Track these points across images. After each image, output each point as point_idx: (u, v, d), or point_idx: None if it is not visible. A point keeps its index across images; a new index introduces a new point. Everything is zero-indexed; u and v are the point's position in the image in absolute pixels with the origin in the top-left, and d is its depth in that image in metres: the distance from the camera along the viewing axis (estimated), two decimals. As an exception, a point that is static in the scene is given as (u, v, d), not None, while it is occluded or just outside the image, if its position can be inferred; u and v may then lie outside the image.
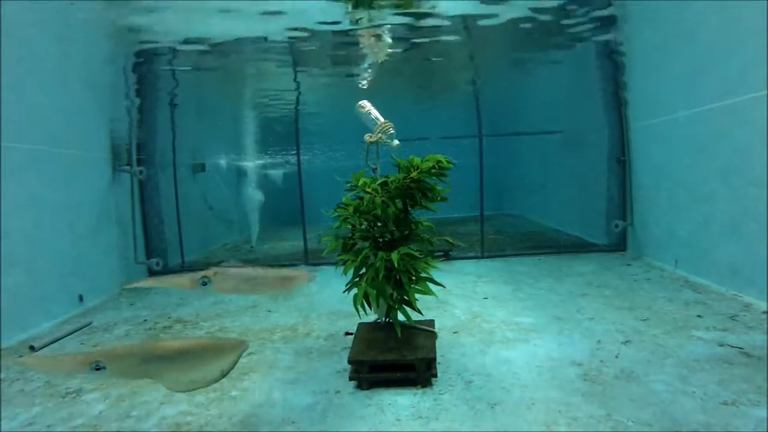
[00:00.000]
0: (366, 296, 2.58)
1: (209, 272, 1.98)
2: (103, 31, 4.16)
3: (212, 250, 7.69)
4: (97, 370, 1.72)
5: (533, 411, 2.19)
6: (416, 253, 2.59)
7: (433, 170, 2.65)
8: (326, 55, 5.17)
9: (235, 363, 1.93)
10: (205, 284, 1.97)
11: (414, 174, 2.64)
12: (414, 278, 2.62)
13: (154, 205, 5.96)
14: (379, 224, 2.72)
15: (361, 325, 2.95)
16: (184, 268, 6.15)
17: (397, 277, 2.60)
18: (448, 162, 2.67)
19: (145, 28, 4.09)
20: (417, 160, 2.69)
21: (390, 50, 5.02)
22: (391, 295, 2.61)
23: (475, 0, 3.89)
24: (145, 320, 3.95)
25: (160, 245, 5.97)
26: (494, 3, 3.93)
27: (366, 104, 2.93)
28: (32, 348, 3.28)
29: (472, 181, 6.16)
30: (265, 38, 4.45)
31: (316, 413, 2.27)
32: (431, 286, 2.66)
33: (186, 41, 4.36)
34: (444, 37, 4.72)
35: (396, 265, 2.46)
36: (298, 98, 6.89)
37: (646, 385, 2.36)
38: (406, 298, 2.64)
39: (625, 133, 5.53)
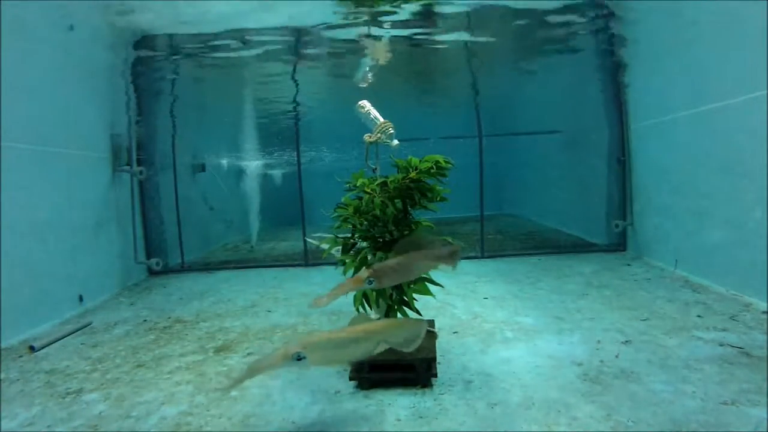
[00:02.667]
0: (366, 296, 2.58)
1: (369, 272, 2.02)
2: (102, 30, 4.17)
3: (212, 250, 7.69)
4: (299, 360, 1.78)
5: (533, 411, 2.19)
6: None
7: (431, 170, 2.65)
8: (327, 54, 5.17)
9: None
10: (371, 282, 2.02)
11: (413, 174, 2.64)
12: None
13: (154, 205, 5.96)
14: (379, 224, 2.71)
15: (361, 325, 2.94)
16: (184, 269, 6.15)
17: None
18: (446, 162, 2.66)
19: (145, 26, 4.10)
20: (415, 161, 2.69)
21: (390, 50, 5.02)
22: (391, 295, 2.61)
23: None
24: (145, 320, 3.95)
25: (160, 245, 5.97)
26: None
27: (366, 104, 2.93)
28: (32, 348, 3.28)
29: (472, 182, 6.16)
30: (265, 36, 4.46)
31: (316, 413, 2.27)
32: (430, 286, 2.66)
33: (185, 36, 4.36)
34: (444, 37, 4.73)
35: None
36: (296, 98, 6.90)
37: (646, 385, 2.36)
38: (405, 298, 2.64)
39: (625, 133, 5.53)
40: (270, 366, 1.83)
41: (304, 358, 1.78)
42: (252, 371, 1.84)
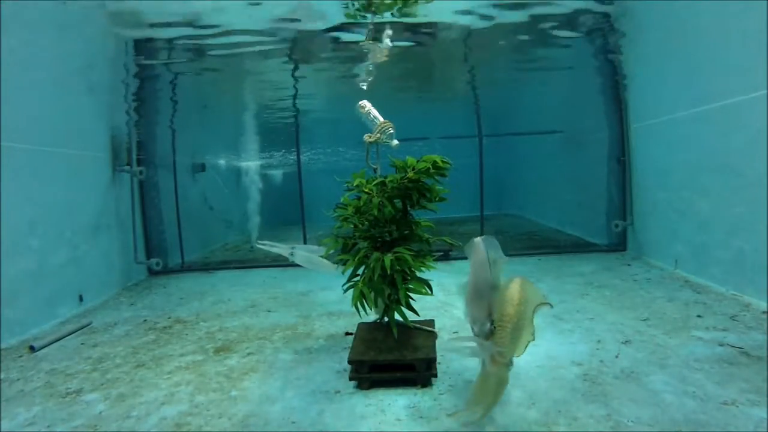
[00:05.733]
0: (363, 295, 2.58)
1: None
2: (102, 30, 4.16)
3: (212, 250, 7.69)
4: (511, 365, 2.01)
5: (533, 411, 2.19)
6: (407, 254, 2.57)
7: (429, 170, 2.64)
8: (327, 54, 5.17)
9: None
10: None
11: (411, 174, 2.64)
12: (409, 278, 2.62)
13: (154, 205, 5.96)
14: (379, 224, 2.71)
15: (361, 325, 2.95)
16: (184, 269, 6.15)
17: (394, 277, 2.60)
18: (444, 162, 2.65)
19: (146, 25, 4.10)
20: (412, 161, 2.69)
21: (390, 50, 5.01)
22: (389, 295, 2.61)
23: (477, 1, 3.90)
24: (145, 320, 3.95)
25: (160, 245, 5.97)
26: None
27: (366, 104, 2.93)
28: (32, 348, 3.28)
29: (472, 181, 6.16)
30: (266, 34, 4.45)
31: (316, 413, 2.27)
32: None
33: (186, 35, 4.35)
34: (444, 38, 4.73)
35: (387, 271, 2.45)
36: (295, 98, 6.89)
37: (646, 385, 2.36)
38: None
39: (625, 133, 5.53)
40: (502, 387, 2.01)
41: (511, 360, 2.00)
42: (494, 400, 2.00)
